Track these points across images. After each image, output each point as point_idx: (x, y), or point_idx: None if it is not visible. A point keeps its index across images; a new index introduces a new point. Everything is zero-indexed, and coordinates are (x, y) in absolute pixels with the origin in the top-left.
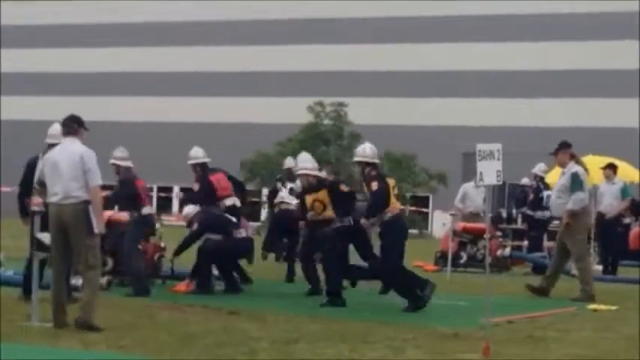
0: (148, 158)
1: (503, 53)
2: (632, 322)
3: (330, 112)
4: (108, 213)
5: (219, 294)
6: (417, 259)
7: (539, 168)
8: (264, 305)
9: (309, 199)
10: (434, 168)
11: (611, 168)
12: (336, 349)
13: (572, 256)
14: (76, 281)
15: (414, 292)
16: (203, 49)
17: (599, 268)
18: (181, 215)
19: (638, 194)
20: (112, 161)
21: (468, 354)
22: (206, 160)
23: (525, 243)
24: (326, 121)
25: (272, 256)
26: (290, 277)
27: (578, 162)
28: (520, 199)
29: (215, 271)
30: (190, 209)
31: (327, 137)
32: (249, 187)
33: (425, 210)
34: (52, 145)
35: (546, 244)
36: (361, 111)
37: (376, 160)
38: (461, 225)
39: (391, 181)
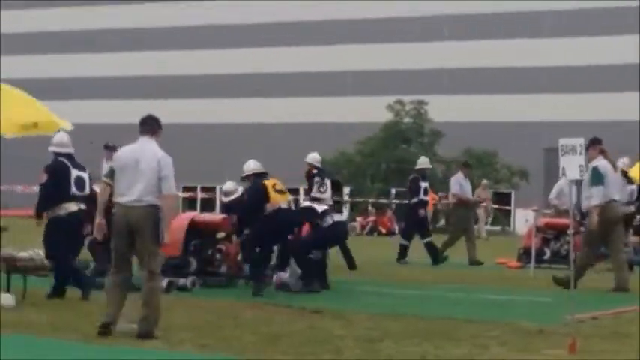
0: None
1: (583, 48)
2: None
3: (410, 110)
4: (191, 214)
5: (301, 294)
6: (500, 256)
7: (622, 162)
8: (347, 304)
9: None
10: (515, 164)
11: None
12: (420, 347)
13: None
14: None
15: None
16: (284, 50)
17: None
18: None
19: None
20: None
21: (553, 350)
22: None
23: None
24: (406, 120)
25: None
26: None
27: (606, 158)
28: None
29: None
30: None
31: (407, 136)
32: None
33: (507, 208)
34: (59, 155)
35: (632, 238)
36: (441, 108)
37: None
38: (544, 221)
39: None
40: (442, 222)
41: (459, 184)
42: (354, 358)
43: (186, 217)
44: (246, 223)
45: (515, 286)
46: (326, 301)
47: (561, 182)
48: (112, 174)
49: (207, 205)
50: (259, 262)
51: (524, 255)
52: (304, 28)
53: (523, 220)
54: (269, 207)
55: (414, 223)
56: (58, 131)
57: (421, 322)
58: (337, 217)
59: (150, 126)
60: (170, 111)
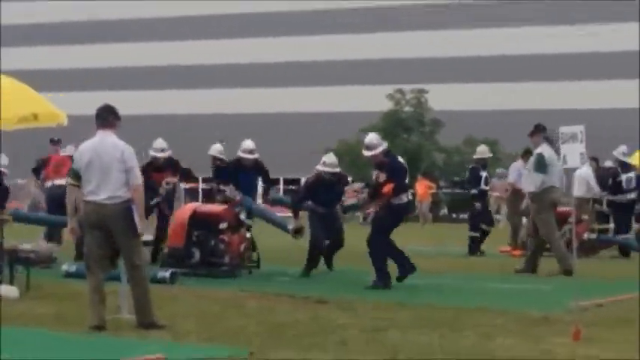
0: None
1: (585, 35)
2: None
3: (410, 99)
4: (194, 205)
5: (306, 282)
6: (503, 245)
7: (620, 150)
8: (352, 293)
9: None
10: (517, 153)
11: None
12: (427, 336)
13: (542, 236)
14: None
15: None
16: (285, 40)
17: None
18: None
19: None
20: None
21: (558, 338)
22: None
23: (611, 226)
24: (407, 108)
25: None
26: None
27: (551, 145)
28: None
29: None
30: None
31: (408, 124)
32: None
33: None
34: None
35: (635, 225)
36: (442, 97)
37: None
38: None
39: None
40: (444, 210)
41: (517, 172)
42: (359, 348)
43: (189, 208)
44: None
45: (519, 274)
46: (330, 291)
47: (517, 165)
48: (75, 174)
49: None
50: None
51: (528, 243)
52: (304, 17)
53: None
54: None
55: (476, 213)
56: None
57: (427, 312)
58: None
59: (106, 118)
60: (164, 101)
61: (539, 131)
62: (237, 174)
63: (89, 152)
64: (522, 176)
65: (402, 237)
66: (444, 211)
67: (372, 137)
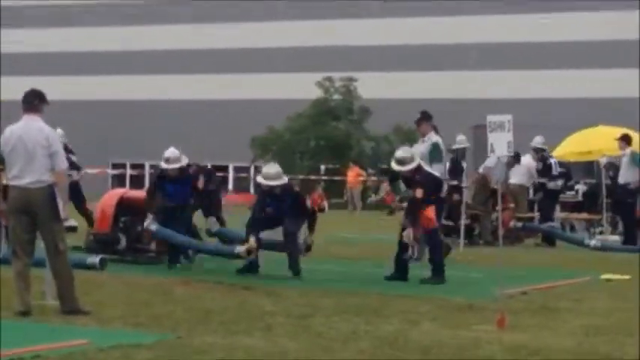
0: (159, 136)
1: (512, 25)
2: None
3: (339, 87)
4: (121, 191)
5: (233, 269)
6: None
7: (536, 141)
8: (278, 280)
9: None
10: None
11: (624, 139)
12: (351, 322)
13: None
14: None
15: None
16: (212, 27)
17: (616, 238)
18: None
19: None
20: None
21: (483, 325)
22: None
23: (537, 214)
24: (335, 96)
25: None
26: None
27: (438, 133)
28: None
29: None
30: None
31: (336, 112)
32: (260, 163)
33: None
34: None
35: (559, 214)
36: (371, 85)
37: None
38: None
39: None
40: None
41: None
42: (285, 335)
43: (115, 194)
44: None
45: (446, 262)
46: (257, 278)
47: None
48: (0, 158)
49: (137, 182)
50: None
51: (455, 231)
52: (235, 3)
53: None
54: None
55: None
56: None
57: (352, 298)
58: None
59: (31, 102)
60: (97, 87)
61: (426, 119)
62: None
63: (14, 136)
64: None
65: (332, 224)
66: (372, 198)
67: (405, 151)
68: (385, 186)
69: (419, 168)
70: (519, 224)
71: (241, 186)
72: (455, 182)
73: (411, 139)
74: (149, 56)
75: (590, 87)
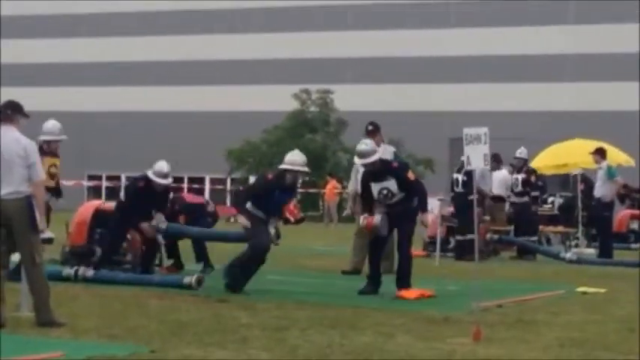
0: (136, 148)
1: (490, 38)
2: (621, 304)
3: (316, 99)
4: (97, 203)
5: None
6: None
7: (520, 152)
8: (253, 293)
9: None
10: (421, 154)
11: (599, 152)
12: (326, 335)
13: None
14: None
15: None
16: (189, 39)
17: (591, 251)
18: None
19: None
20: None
21: (458, 338)
22: None
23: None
24: (312, 108)
25: None
26: None
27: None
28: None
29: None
30: None
31: (313, 124)
32: (236, 175)
33: None
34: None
35: (543, 228)
36: (347, 98)
37: None
38: (449, 210)
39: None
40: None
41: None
42: (260, 348)
43: (91, 206)
44: None
45: (421, 275)
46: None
47: (483, 169)
48: None
49: (113, 194)
50: None
51: (430, 244)
52: (211, 15)
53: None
54: None
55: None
56: None
57: (327, 311)
58: None
59: (8, 114)
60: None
61: (379, 130)
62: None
63: None
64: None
65: (308, 237)
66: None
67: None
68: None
69: (382, 160)
70: (495, 237)
71: (218, 198)
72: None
73: None
74: (125, 68)
75: (567, 100)
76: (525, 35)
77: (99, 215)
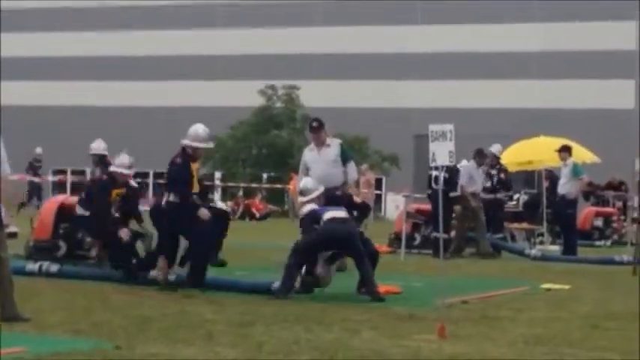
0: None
1: (458, 35)
2: (585, 301)
3: (282, 95)
4: (61, 198)
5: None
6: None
7: (495, 149)
8: (219, 288)
9: None
10: (386, 150)
11: (566, 150)
12: (291, 331)
13: None
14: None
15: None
16: (155, 34)
17: (556, 248)
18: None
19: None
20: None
21: (423, 334)
22: None
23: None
24: (278, 104)
25: None
26: None
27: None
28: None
29: None
30: None
31: (279, 120)
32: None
33: (378, 192)
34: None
35: (507, 225)
36: (313, 94)
37: None
38: (414, 206)
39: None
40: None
41: (468, 175)
42: (226, 344)
43: (55, 201)
44: None
45: (386, 271)
46: None
47: (469, 166)
48: None
49: (78, 189)
50: None
51: (395, 240)
52: (177, 10)
53: (393, 205)
54: None
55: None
56: None
57: (292, 307)
58: None
59: None
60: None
61: (323, 127)
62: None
63: None
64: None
65: (273, 233)
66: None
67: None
68: None
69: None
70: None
71: None
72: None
73: (354, 148)
74: (90, 62)
75: (534, 98)
76: (493, 33)
77: (64, 210)
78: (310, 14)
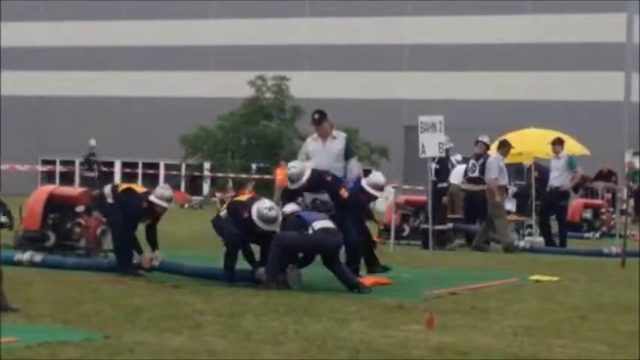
0: (90, 133)
1: (447, 26)
2: (574, 293)
3: (271, 85)
4: (50, 188)
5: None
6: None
7: (484, 138)
8: (208, 279)
9: None
10: (376, 142)
11: (559, 142)
12: (280, 321)
13: None
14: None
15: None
16: (144, 24)
17: (541, 240)
18: None
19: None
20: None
21: (412, 325)
22: None
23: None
24: (267, 95)
25: None
26: None
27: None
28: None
29: None
30: None
31: (268, 111)
32: (191, 161)
33: None
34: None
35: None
36: (303, 85)
37: None
38: (403, 198)
39: None
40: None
41: (498, 167)
42: (214, 334)
43: (44, 191)
44: None
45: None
46: (186, 276)
47: (497, 158)
48: None
49: (67, 178)
50: None
51: (384, 231)
52: (168, 1)
53: (382, 196)
54: None
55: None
56: None
57: (281, 297)
58: None
59: None
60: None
61: (325, 118)
62: None
63: None
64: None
65: None
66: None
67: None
68: None
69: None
70: (450, 225)
71: (172, 183)
72: (445, 184)
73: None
74: (79, 52)
75: (523, 89)
76: (483, 25)
77: (52, 200)
78: (300, 5)
